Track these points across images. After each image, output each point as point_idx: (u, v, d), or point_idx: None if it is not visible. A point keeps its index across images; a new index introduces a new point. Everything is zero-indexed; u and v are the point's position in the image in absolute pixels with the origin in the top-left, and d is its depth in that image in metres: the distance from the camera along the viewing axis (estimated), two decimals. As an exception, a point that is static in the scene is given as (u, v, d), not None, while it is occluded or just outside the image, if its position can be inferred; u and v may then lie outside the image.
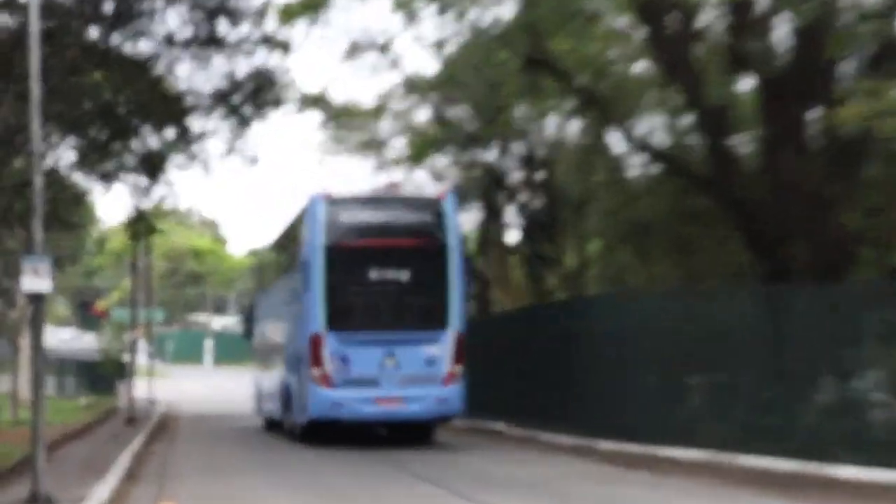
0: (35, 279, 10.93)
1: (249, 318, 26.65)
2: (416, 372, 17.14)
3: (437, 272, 17.29)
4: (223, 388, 47.24)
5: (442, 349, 17.26)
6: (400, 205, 18.01)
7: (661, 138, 20.88)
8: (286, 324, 19.93)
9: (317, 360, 17.01)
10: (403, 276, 17.33)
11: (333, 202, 17.50)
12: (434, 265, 17.32)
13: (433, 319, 17.26)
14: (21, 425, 20.82)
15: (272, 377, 21.47)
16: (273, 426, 21.49)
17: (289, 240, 20.65)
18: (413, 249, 17.44)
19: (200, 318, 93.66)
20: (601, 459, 15.67)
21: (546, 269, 27.37)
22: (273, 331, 22.11)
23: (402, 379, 17.13)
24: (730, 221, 18.11)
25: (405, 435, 18.38)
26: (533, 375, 21.26)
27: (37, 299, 11.21)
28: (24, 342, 27.71)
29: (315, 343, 17.08)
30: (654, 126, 20.85)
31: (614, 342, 17.67)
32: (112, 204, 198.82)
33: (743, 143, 18.10)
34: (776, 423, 13.84)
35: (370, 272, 17.26)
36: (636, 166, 22.20)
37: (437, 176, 31.85)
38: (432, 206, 17.79)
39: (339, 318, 17.11)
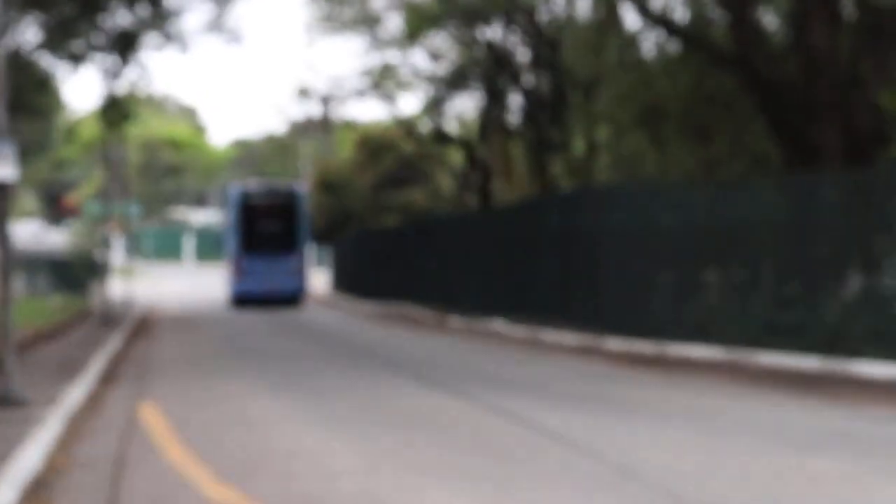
0: (-1, 166, 10.85)
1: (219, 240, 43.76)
2: (283, 272, 34.49)
3: (292, 223, 34.83)
4: (205, 287, 47.59)
5: (295, 260, 34.78)
6: (275, 190, 35.89)
7: (679, 12, 20.66)
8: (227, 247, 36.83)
9: (236, 267, 34.42)
10: (276, 226, 34.70)
11: (243, 191, 35.23)
12: (291, 220, 34.83)
13: (290, 246, 34.78)
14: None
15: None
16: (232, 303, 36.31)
17: (224, 206, 41.06)
18: (280, 212, 34.82)
19: (179, 213, 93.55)
20: (608, 359, 15.90)
21: (551, 156, 27.35)
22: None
23: (275, 275, 34.31)
24: (752, 104, 18.02)
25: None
26: (535, 272, 21.42)
27: (1, 188, 11.04)
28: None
29: (236, 259, 34.45)
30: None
31: (625, 236, 17.76)
32: (80, 90, 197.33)
33: (769, 17, 17.89)
34: (797, 319, 14.01)
35: (260, 224, 34.59)
36: (652, 44, 22.02)
37: (435, 55, 31.62)
38: (290, 190, 35.75)
39: (246, 247, 34.36)
